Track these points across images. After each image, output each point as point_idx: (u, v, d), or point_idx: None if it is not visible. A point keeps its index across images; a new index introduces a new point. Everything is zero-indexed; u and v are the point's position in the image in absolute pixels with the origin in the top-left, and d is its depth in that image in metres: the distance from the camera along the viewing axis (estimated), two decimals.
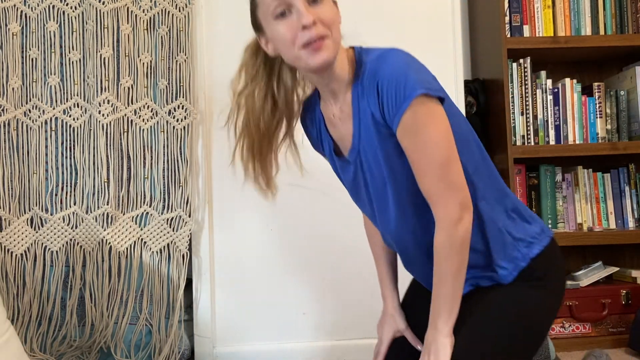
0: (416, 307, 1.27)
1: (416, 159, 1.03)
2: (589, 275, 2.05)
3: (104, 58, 1.91)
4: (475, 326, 1.07)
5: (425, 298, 1.09)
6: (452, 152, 1.03)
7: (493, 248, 1.10)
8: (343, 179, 1.24)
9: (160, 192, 1.93)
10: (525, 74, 2.09)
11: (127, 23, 1.93)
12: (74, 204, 1.91)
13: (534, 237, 1.13)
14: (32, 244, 1.89)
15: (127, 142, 1.93)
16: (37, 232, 1.90)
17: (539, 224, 1.16)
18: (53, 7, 1.92)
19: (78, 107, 1.93)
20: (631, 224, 2.15)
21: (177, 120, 1.94)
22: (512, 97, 2.07)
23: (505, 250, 1.11)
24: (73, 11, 1.93)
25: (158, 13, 1.95)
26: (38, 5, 1.92)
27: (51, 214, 1.90)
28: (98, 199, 1.90)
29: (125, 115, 1.92)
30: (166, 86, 1.94)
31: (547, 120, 2.10)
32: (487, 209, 1.10)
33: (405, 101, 0.99)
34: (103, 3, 1.91)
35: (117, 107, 1.91)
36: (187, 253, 1.93)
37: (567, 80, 2.13)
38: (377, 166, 1.10)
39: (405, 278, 1.37)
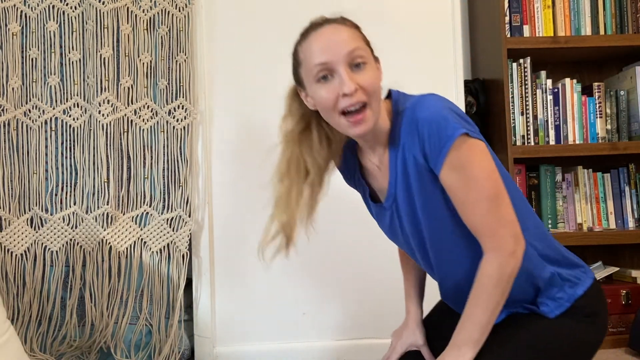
0: (441, 328, 1.26)
1: (463, 196, 1.03)
2: None
3: (104, 58, 1.91)
4: (510, 352, 1.06)
5: (452, 321, 1.08)
6: (499, 186, 1.04)
7: (540, 288, 1.12)
8: (379, 222, 1.25)
9: (160, 192, 1.93)
10: (525, 74, 2.09)
11: (127, 23, 1.93)
12: (74, 204, 1.91)
13: (578, 278, 1.14)
14: (32, 244, 1.89)
15: (127, 142, 1.93)
16: (37, 232, 1.90)
17: (583, 265, 1.18)
18: (53, 7, 1.92)
19: (78, 107, 1.93)
20: (631, 224, 2.15)
21: (177, 120, 1.94)
22: (512, 97, 2.07)
23: (551, 291, 1.12)
24: (73, 11, 1.93)
25: (158, 13, 1.95)
26: (38, 5, 1.92)
27: (51, 214, 1.90)
28: (98, 199, 1.90)
29: (125, 115, 1.92)
30: (166, 86, 1.94)
31: (547, 120, 2.10)
32: (536, 252, 1.11)
33: (448, 141, 1.00)
34: (103, 3, 1.91)
35: (117, 107, 1.91)
36: (187, 253, 1.93)
37: (567, 80, 2.12)
38: (413, 213, 1.11)
39: (430, 297, 1.38)
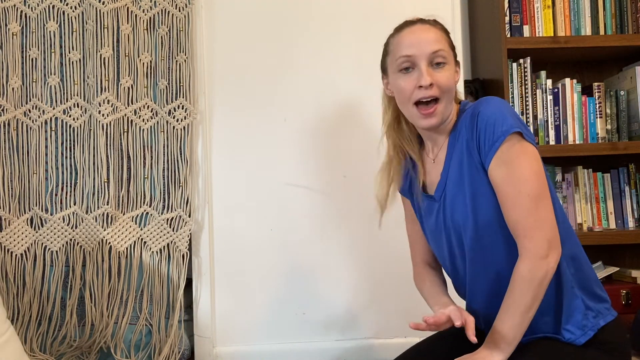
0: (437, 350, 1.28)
1: (507, 191, 1.07)
2: None
3: (104, 58, 1.91)
4: None
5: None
6: (543, 189, 1.07)
7: (565, 311, 1.12)
8: (425, 220, 1.28)
9: (160, 192, 1.93)
10: (525, 74, 2.09)
11: (127, 23, 1.93)
12: (74, 204, 1.91)
13: (601, 312, 1.15)
14: (32, 244, 1.89)
15: (127, 142, 1.93)
16: (37, 232, 1.90)
17: (608, 301, 1.19)
18: (53, 7, 1.92)
19: (78, 107, 1.93)
20: (631, 224, 2.15)
21: (177, 120, 1.94)
22: (512, 97, 2.07)
23: (575, 316, 1.13)
24: (73, 11, 1.93)
25: (158, 13, 1.95)
26: (38, 5, 1.92)
27: (51, 214, 1.90)
28: (98, 199, 1.90)
29: (125, 115, 1.92)
30: (166, 86, 1.94)
31: (547, 120, 2.10)
32: (570, 271, 1.13)
33: (502, 135, 1.07)
34: (103, 3, 1.91)
35: (117, 107, 1.91)
36: (187, 253, 1.93)
37: (567, 80, 2.12)
38: (461, 204, 1.14)
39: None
